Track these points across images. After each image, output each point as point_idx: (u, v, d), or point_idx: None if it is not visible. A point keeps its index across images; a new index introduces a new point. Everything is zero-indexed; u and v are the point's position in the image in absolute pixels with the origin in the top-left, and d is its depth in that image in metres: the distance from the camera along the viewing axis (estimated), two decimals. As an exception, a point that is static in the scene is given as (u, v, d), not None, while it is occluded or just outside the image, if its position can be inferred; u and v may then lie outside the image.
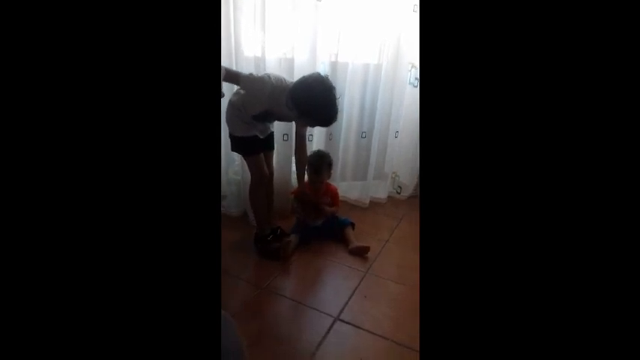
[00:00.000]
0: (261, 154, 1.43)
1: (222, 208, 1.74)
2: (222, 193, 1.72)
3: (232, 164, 1.73)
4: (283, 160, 1.72)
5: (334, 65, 1.74)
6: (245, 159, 1.46)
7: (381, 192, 2.05)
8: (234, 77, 1.29)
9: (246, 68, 1.53)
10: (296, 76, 1.63)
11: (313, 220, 1.62)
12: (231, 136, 1.42)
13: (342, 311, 1.21)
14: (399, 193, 2.11)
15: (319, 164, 1.59)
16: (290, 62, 1.61)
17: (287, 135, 1.68)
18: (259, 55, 1.55)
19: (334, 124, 1.81)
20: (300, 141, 1.44)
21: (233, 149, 1.45)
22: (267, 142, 1.48)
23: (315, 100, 1.24)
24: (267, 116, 1.37)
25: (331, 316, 1.19)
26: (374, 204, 2.02)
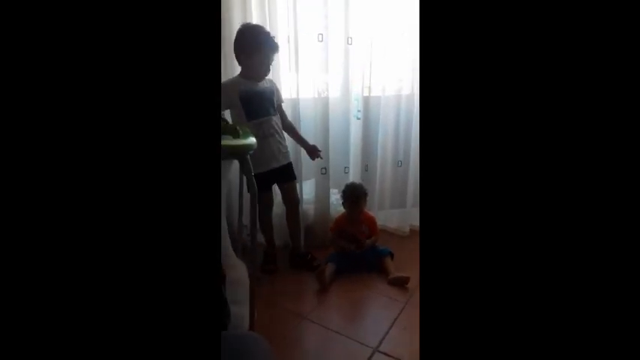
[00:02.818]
0: (268, 193, 1.57)
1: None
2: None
3: (274, 198, 1.84)
4: (322, 193, 1.80)
5: (367, 99, 1.82)
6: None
7: (422, 220, 2.03)
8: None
9: (283, 109, 1.65)
10: (331, 113, 1.73)
11: (355, 249, 1.65)
12: None
13: (381, 342, 1.21)
14: (441, 221, 2.07)
15: (357, 196, 1.65)
16: (325, 100, 1.71)
17: (325, 169, 1.76)
18: (295, 96, 1.67)
19: (369, 156, 1.89)
20: (282, 113, 1.60)
21: None
22: (281, 175, 1.56)
23: (241, 32, 1.43)
24: (251, 103, 1.45)
25: (370, 347, 1.19)
26: (414, 232, 2.00)
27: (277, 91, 1.57)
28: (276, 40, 1.46)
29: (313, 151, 1.64)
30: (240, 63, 1.47)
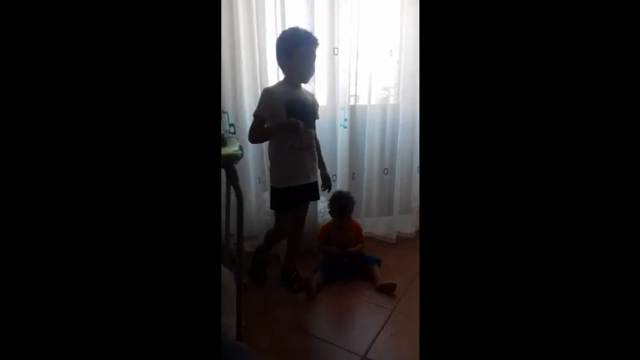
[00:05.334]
0: (291, 213, 1.50)
1: (253, 248, 1.83)
2: (253, 234, 1.81)
3: (263, 206, 1.84)
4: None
5: (353, 108, 1.85)
6: (275, 212, 1.51)
7: (409, 227, 2.06)
8: (259, 125, 1.37)
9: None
10: (318, 121, 1.74)
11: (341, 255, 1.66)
12: (271, 189, 1.49)
13: (368, 350, 1.22)
14: (427, 227, 2.10)
15: (344, 205, 1.66)
16: (311, 109, 1.73)
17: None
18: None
19: (356, 165, 1.91)
20: (316, 141, 1.53)
21: (270, 205, 1.51)
22: (308, 193, 1.50)
23: (279, 37, 1.41)
24: (296, 112, 1.37)
25: (357, 354, 1.20)
26: (402, 239, 2.02)
27: (317, 106, 1.52)
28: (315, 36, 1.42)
29: (326, 181, 1.58)
30: (283, 69, 1.43)
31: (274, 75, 1.67)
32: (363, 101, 1.86)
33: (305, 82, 1.45)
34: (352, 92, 1.83)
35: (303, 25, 1.63)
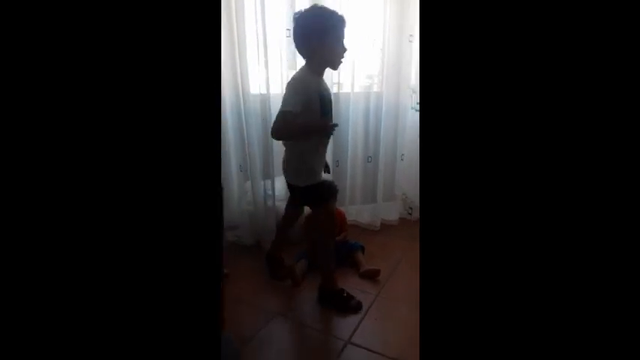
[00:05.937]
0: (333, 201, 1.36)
1: (235, 238, 1.81)
2: (234, 224, 1.79)
3: (245, 196, 1.82)
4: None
5: (337, 96, 1.83)
6: (317, 209, 1.37)
7: (392, 214, 2.07)
8: (291, 122, 1.16)
9: (252, 105, 1.65)
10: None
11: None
12: (297, 189, 1.35)
13: (352, 335, 1.23)
14: (411, 214, 2.12)
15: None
16: (294, 96, 1.70)
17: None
18: (264, 92, 1.66)
19: (340, 152, 1.90)
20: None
21: (303, 202, 1.44)
22: None
23: (302, 22, 1.18)
24: (326, 105, 1.25)
25: (342, 339, 1.21)
26: (386, 226, 2.04)
27: None
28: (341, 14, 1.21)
29: (326, 167, 1.49)
30: (310, 55, 1.21)
31: (254, 70, 1.63)
32: (346, 89, 1.85)
33: (336, 69, 1.31)
34: (335, 80, 1.81)
35: (285, 16, 1.60)
